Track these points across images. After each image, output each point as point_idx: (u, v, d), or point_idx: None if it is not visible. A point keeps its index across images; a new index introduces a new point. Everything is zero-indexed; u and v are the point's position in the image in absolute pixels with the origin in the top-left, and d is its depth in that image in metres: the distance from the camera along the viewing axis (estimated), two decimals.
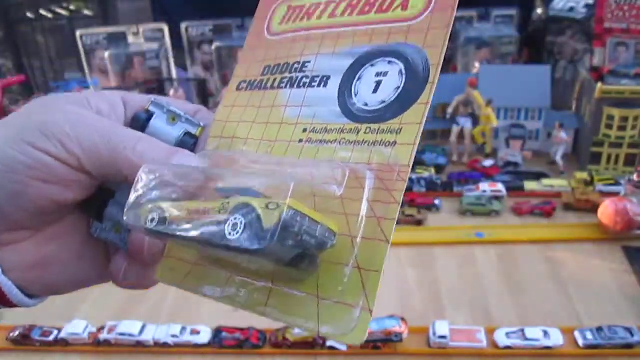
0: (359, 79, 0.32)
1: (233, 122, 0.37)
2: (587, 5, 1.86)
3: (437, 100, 1.72)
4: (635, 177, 1.35)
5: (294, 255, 0.27)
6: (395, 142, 0.30)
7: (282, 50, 0.37)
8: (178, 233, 0.29)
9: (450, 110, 1.67)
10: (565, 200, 1.40)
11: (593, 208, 1.33)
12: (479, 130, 1.64)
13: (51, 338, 1.05)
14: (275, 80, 0.36)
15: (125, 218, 0.31)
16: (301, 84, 0.35)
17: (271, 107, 0.35)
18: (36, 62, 2.87)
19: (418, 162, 1.61)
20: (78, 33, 2.03)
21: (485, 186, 1.45)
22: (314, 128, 0.33)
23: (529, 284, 1.15)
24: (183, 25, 2.04)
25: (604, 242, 1.27)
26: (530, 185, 1.49)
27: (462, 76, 1.72)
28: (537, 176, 1.53)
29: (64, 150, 0.31)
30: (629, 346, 0.96)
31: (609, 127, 1.49)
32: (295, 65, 0.36)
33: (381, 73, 0.32)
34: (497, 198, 1.42)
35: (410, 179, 1.51)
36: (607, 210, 1.26)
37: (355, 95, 0.32)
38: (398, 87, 0.31)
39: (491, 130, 1.64)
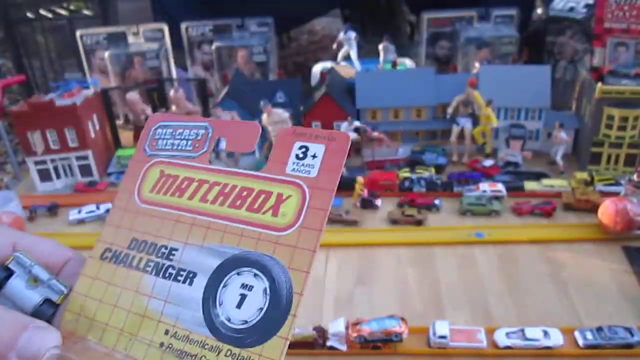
0: (224, 285, 0.31)
1: (93, 299, 0.34)
2: (587, 5, 1.87)
3: (437, 100, 1.72)
4: (635, 177, 1.35)
5: None
6: None
7: (151, 225, 0.35)
8: None
9: (450, 110, 1.67)
10: (565, 200, 1.40)
11: (593, 208, 1.33)
12: (479, 130, 1.64)
13: None
14: (141, 260, 0.34)
15: None
16: (167, 275, 0.33)
17: (135, 292, 0.33)
18: (36, 62, 2.88)
19: (418, 162, 1.61)
20: (78, 33, 2.03)
21: (485, 186, 1.45)
22: (176, 333, 0.31)
23: (529, 284, 1.15)
24: (183, 25, 2.05)
25: (604, 242, 1.27)
26: (530, 185, 1.49)
27: (462, 76, 1.72)
28: (537, 176, 1.53)
29: None
30: (629, 346, 0.96)
31: (609, 127, 1.49)
32: (163, 250, 0.34)
33: (247, 286, 0.30)
34: (497, 198, 1.42)
35: (411, 179, 1.52)
36: (607, 210, 1.26)
37: (220, 305, 0.30)
38: (261, 309, 0.29)
39: (491, 130, 1.64)
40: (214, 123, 0.37)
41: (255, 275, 0.30)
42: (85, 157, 1.65)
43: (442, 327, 0.99)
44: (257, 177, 0.33)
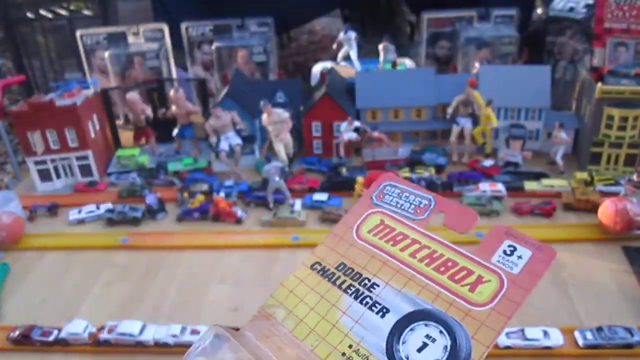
0: (411, 329, 0.35)
1: (296, 296, 0.40)
2: (587, 5, 1.87)
3: (437, 101, 1.72)
4: (635, 177, 1.35)
5: None
6: None
7: (361, 259, 0.41)
8: None
9: (450, 110, 1.67)
10: (565, 200, 1.40)
11: (593, 208, 1.33)
12: (479, 130, 1.64)
13: (51, 338, 1.05)
14: (344, 282, 0.40)
15: None
16: (364, 302, 0.38)
17: (331, 305, 0.38)
18: (36, 62, 2.88)
19: (418, 162, 1.61)
20: (78, 33, 2.03)
21: (485, 186, 1.45)
22: (359, 350, 0.35)
23: None
24: (183, 26, 2.04)
25: (604, 242, 1.27)
26: (530, 185, 1.49)
27: (462, 76, 1.72)
28: (537, 176, 1.53)
29: None
30: (629, 346, 0.96)
31: (609, 127, 1.49)
32: (365, 281, 0.39)
33: (430, 337, 0.34)
34: (497, 198, 1.42)
35: (410, 179, 1.52)
36: (607, 210, 1.26)
37: (402, 343, 0.35)
38: (445, 347, 0.34)
39: (491, 130, 1.64)
40: (438, 199, 0.43)
41: (441, 332, 0.34)
42: (85, 157, 1.65)
43: None
44: (464, 256, 0.39)
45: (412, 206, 0.43)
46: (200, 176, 1.63)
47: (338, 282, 0.40)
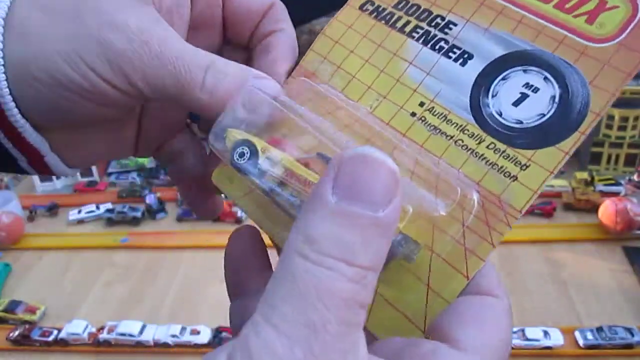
0: (504, 78, 0.28)
1: (344, 47, 0.32)
2: None
3: None
4: (635, 177, 1.35)
5: None
6: (515, 177, 0.26)
7: None
8: (265, 188, 0.27)
9: None
10: (565, 200, 1.40)
11: (593, 208, 1.33)
12: None
13: (51, 338, 1.05)
14: (408, 23, 0.31)
15: (210, 138, 0.29)
16: (436, 47, 0.29)
17: (392, 55, 0.30)
18: None
19: None
20: None
21: None
22: (433, 108, 0.28)
23: (529, 284, 1.15)
24: None
25: (604, 242, 1.27)
26: None
27: None
28: None
29: (127, 83, 0.28)
30: (629, 346, 0.96)
31: (609, 127, 1.49)
32: (438, 20, 0.30)
33: (531, 86, 0.27)
34: None
35: None
36: (607, 210, 1.26)
37: (493, 97, 0.28)
38: (543, 115, 0.26)
39: None
40: None
41: (546, 79, 0.27)
42: None
43: None
44: None
45: None
46: None
47: (399, 25, 0.31)
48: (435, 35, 0.30)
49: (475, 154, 0.27)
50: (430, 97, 0.29)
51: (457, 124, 0.28)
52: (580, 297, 1.10)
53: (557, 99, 0.26)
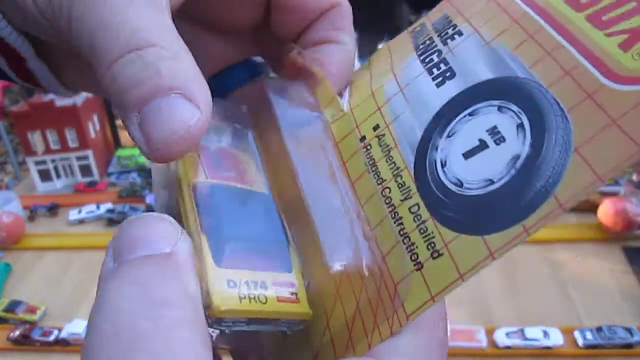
0: (471, 114, 0.20)
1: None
2: None
3: None
4: (635, 177, 1.35)
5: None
6: (421, 266, 0.19)
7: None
8: None
9: None
10: None
11: (593, 208, 1.33)
12: None
13: (51, 338, 1.05)
14: (426, 33, 0.25)
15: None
16: (426, 60, 0.23)
17: (391, 65, 0.25)
18: None
19: None
20: None
21: None
22: (383, 136, 0.22)
23: (529, 284, 1.15)
24: None
25: (604, 242, 1.27)
26: None
27: None
28: None
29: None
30: (628, 346, 0.96)
31: None
32: (449, 29, 0.23)
33: (497, 134, 0.19)
34: None
35: None
36: (607, 210, 1.26)
37: (448, 137, 0.20)
38: (491, 182, 0.18)
39: None
40: None
41: (520, 127, 0.19)
42: (86, 157, 1.65)
43: None
44: None
45: None
46: None
47: (416, 29, 0.25)
48: (434, 46, 0.23)
49: (395, 214, 0.20)
50: (389, 120, 0.22)
51: (394, 166, 0.21)
52: (579, 297, 1.10)
53: (519, 163, 0.18)
